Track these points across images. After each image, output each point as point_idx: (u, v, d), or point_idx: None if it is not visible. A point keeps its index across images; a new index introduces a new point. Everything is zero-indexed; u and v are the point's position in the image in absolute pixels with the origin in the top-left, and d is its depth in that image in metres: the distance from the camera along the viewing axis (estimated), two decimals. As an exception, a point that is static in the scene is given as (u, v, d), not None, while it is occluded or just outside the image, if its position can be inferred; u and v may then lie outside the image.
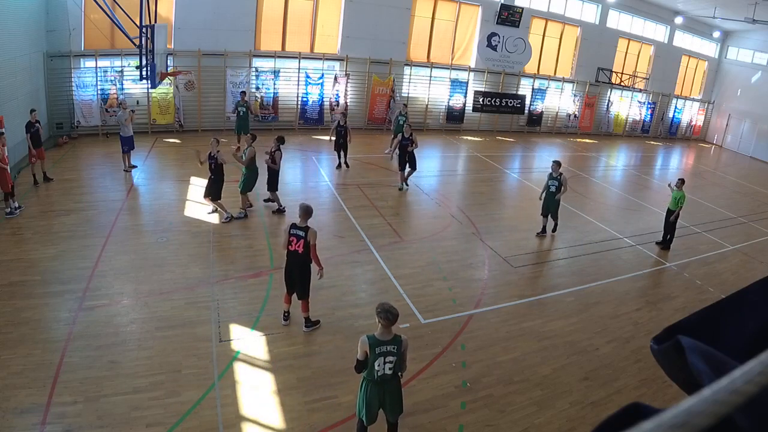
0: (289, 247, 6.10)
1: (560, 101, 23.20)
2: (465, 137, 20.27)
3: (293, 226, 6.10)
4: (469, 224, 10.79)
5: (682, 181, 10.49)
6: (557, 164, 10.11)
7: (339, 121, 13.55)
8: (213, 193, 9.50)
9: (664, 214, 10.75)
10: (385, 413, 4.51)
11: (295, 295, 6.38)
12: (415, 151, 12.23)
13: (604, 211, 13.11)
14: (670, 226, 10.58)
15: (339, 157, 13.78)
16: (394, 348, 4.23)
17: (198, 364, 5.68)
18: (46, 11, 13.20)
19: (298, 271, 6.18)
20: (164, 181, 11.96)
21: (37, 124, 10.48)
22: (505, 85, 21.53)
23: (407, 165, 12.34)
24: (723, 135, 27.72)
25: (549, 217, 10.44)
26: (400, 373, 4.45)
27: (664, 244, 10.74)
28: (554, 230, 10.66)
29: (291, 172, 13.45)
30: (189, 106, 16.04)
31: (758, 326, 0.83)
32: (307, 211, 6.06)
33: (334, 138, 13.46)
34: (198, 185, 11.40)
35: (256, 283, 7.54)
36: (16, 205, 9.14)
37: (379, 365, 4.23)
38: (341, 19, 17.99)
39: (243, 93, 14.83)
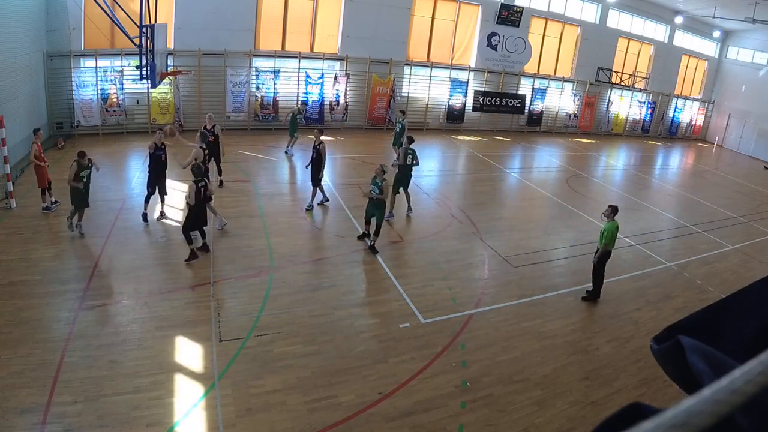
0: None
1: (560, 101, 23.19)
2: (465, 137, 20.26)
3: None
4: (469, 224, 10.79)
5: None
6: (380, 169, 8.76)
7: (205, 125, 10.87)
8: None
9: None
10: None
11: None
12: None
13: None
14: None
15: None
16: None
17: (198, 364, 5.69)
18: (46, 11, 13.18)
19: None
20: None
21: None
22: (505, 84, 21.51)
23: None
24: (723, 135, 27.71)
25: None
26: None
27: None
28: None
29: (291, 171, 13.46)
30: (189, 106, 16.03)
31: (758, 326, 0.83)
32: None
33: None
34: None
35: (256, 283, 7.54)
36: (54, 200, 9.47)
37: None
38: (341, 19, 17.98)
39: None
